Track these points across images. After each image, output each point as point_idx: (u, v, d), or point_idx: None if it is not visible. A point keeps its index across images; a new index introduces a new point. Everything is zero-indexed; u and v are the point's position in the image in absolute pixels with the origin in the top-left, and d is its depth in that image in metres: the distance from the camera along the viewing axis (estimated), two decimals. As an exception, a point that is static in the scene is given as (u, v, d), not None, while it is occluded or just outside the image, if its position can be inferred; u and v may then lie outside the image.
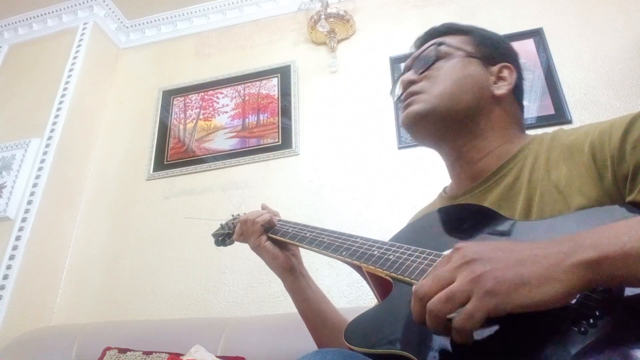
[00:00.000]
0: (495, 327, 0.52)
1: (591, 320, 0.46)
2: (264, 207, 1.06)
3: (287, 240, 0.93)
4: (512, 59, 0.88)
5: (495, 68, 0.85)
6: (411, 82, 0.86)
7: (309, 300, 0.95)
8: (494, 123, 0.82)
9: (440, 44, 0.86)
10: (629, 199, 0.60)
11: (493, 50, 0.87)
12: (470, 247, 0.51)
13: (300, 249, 0.98)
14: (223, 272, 1.88)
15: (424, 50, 0.88)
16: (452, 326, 0.47)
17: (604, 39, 1.92)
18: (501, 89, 0.83)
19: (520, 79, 0.88)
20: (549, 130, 0.83)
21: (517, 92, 0.87)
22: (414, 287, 0.52)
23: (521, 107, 0.89)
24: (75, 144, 2.30)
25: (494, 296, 0.45)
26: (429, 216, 0.81)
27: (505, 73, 0.85)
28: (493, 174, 0.78)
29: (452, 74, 0.83)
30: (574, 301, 0.49)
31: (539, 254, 0.48)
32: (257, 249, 0.98)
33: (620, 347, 0.43)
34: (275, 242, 0.98)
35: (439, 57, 0.85)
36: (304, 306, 0.96)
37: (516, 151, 0.79)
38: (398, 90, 0.90)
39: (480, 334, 0.52)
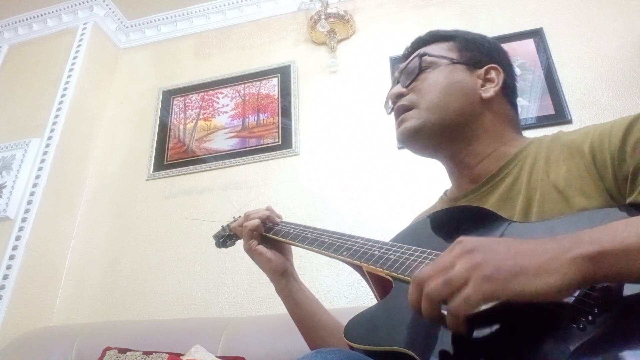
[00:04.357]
0: (494, 325, 0.52)
1: (590, 318, 0.46)
2: (268, 209, 1.04)
3: (289, 241, 0.93)
4: (499, 58, 0.88)
5: (481, 71, 0.85)
6: (400, 96, 0.86)
7: (301, 303, 0.95)
8: (487, 127, 0.82)
9: (423, 54, 0.86)
10: (629, 200, 0.61)
11: (478, 52, 0.87)
12: (472, 239, 0.51)
13: (298, 250, 0.97)
14: (223, 272, 1.88)
15: (409, 62, 0.88)
16: (447, 309, 0.47)
17: (604, 39, 1.92)
18: (488, 91, 0.83)
19: (510, 77, 0.88)
20: (549, 131, 0.83)
21: (507, 91, 0.86)
22: (414, 274, 0.52)
23: (514, 106, 0.88)
24: (75, 144, 2.30)
25: (491, 282, 0.46)
26: (429, 218, 0.82)
27: (492, 74, 0.85)
28: (492, 176, 0.79)
29: (438, 84, 0.83)
30: (572, 298, 0.49)
31: (539, 248, 0.48)
32: (249, 252, 0.98)
33: (618, 344, 0.44)
34: (273, 243, 0.97)
35: (423, 68, 0.85)
36: (296, 309, 0.95)
37: (514, 153, 0.79)
38: (389, 104, 0.91)
39: (479, 332, 0.52)
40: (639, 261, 0.44)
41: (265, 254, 0.95)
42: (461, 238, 0.52)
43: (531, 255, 0.47)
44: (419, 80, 0.85)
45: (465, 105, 0.82)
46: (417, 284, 0.51)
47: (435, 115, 0.81)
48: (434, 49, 0.88)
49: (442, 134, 0.82)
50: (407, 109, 0.84)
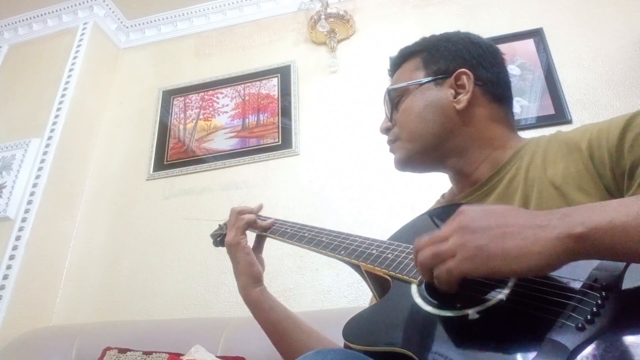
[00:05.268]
0: (493, 324, 0.52)
1: (588, 317, 0.46)
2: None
3: (286, 240, 0.92)
4: (468, 57, 0.84)
5: (451, 79, 0.83)
6: (387, 129, 0.90)
7: (276, 309, 0.92)
8: (473, 135, 0.81)
9: (390, 91, 0.88)
10: (627, 195, 0.61)
11: (444, 61, 0.84)
12: (469, 214, 0.55)
13: (298, 250, 0.97)
14: (223, 272, 1.88)
15: (385, 97, 0.91)
16: (434, 274, 0.55)
17: (604, 39, 1.92)
18: (461, 101, 0.81)
19: (490, 72, 0.84)
20: (549, 131, 0.83)
21: (487, 88, 0.83)
22: (415, 240, 0.59)
23: (501, 100, 0.84)
24: (75, 144, 2.30)
25: (472, 262, 0.51)
26: (425, 216, 0.82)
27: (463, 79, 0.82)
28: (490, 178, 0.79)
29: (412, 113, 0.84)
30: (572, 297, 0.49)
31: (528, 225, 0.50)
32: (236, 247, 0.93)
33: (617, 343, 0.43)
34: (254, 248, 0.96)
35: (395, 102, 0.88)
36: (272, 315, 0.91)
37: (510, 155, 0.79)
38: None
39: (478, 331, 0.53)
40: (623, 239, 0.45)
41: (251, 255, 0.93)
42: (462, 208, 0.56)
43: (518, 234, 0.50)
44: (398, 111, 0.87)
45: (443, 123, 0.81)
46: (415, 251, 0.58)
47: (418, 144, 0.83)
48: (402, 74, 0.89)
49: (429, 157, 0.84)
50: (394, 141, 0.88)
